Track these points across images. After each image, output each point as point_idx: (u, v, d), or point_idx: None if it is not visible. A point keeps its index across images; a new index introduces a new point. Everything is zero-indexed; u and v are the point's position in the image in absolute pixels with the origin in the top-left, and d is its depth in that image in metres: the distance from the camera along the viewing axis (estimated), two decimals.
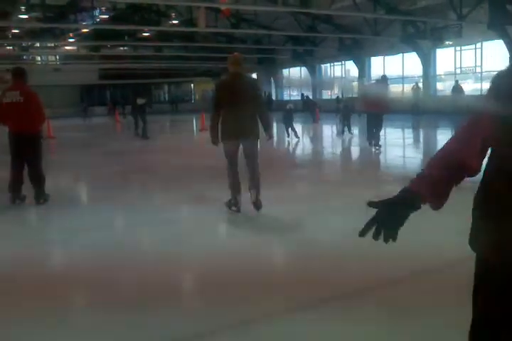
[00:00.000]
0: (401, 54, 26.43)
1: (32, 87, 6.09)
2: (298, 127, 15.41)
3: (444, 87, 25.31)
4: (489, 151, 1.42)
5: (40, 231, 5.22)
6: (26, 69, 6.20)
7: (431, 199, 1.40)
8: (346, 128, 14.47)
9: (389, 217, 1.34)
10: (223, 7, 21.41)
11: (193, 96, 46.41)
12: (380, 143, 10.82)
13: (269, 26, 26.10)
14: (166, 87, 45.94)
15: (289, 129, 13.95)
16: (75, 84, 38.66)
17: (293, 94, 37.14)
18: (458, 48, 23.73)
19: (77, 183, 8.30)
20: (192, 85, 46.00)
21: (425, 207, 1.41)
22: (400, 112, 19.12)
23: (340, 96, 26.21)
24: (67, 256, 4.27)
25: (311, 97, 30.32)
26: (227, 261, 3.73)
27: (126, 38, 32.65)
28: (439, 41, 23.19)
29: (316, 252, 3.94)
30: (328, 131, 18.28)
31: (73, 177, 8.72)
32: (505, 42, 20.36)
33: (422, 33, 23.08)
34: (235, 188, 5.13)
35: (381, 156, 10.56)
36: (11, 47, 32.37)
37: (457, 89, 22.43)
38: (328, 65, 33.41)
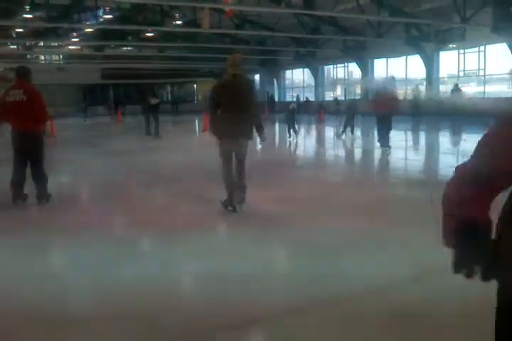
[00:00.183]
0: (404, 56, 26.45)
1: (35, 86, 6.10)
2: (301, 127, 15.41)
3: (446, 89, 25.31)
4: None
5: (40, 231, 5.22)
6: (30, 68, 6.20)
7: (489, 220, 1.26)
8: (349, 129, 14.41)
9: (476, 253, 1.23)
10: (227, 8, 21.46)
11: (195, 97, 46.45)
12: (389, 144, 10.78)
13: (273, 27, 26.12)
14: (168, 88, 45.99)
15: (291, 130, 14.02)
16: (78, 84, 38.79)
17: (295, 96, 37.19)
18: (461, 51, 23.74)
19: (80, 183, 8.30)
20: (195, 86, 46.06)
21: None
22: (399, 114, 19.08)
23: (338, 98, 26.06)
24: (68, 257, 4.28)
25: (311, 99, 30.40)
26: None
27: (129, 38, 32.71)
28: (442, 44, 23.18)
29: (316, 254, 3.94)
30: (332, 132, 18.25)
31: (77, 177, 8.73)
32: (508, 46, 20.36)
33: (425, 36, 23.07)
34: (231, 188, 5.21)
35: (388, 158, 10.40)
36: (14, 46, 32.44)
37: (457, 92, 22.49)
38: (331, 66, 33.44)
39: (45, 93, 6.11)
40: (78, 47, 35.67)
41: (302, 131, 17.62)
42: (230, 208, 5.23)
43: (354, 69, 31.02)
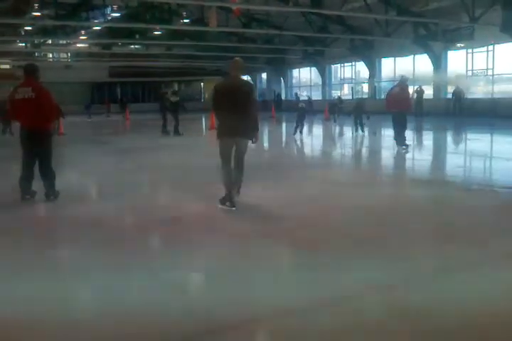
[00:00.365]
0: (412, 55, 26.33)
1: (43, 84, 6.12)
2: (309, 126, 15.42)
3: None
4: None
5: (47, 228, 5.26)
6: (38, 66, 6.22)
7: None
8: (359, 128, 14.70)
9: None
10: (234, 7, 21.46)
11: (202, 95, 46.49)
12: (406, 142, 10.72)
13: (280, 26, 26.09)
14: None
15: (297, 128, 14.23)
16: (86, 82, 38.93)
17: (302, 95, 37.12)
18: (470, 50, 23.58)
19: (89, 180, 8.32)
20: (202, 84, 46.10)
21: None
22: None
23: (341, 96, 25.93)
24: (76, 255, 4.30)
25: (313, 98, 30.23)
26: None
27: (137, 36, 32.74)
28: (450, 43, 23.04)
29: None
30: (343, 130, 18.22)
31: (87, 175, 8.75)
32: None
33: (433, 35, 22.93)
34: (229, 185, 5.42)
35: (400, 157, 10.31)
36: (23, 44, 32.60)
37: (458, 92, 22.42)
38: (339, 65, 33.36)
39: (52, 91, 6.13)
40: (86, 46, 35.78)
41: (312, 129, 17.74)
42: (228, 204, 5.40)
43: (361, 69, 30.93)
